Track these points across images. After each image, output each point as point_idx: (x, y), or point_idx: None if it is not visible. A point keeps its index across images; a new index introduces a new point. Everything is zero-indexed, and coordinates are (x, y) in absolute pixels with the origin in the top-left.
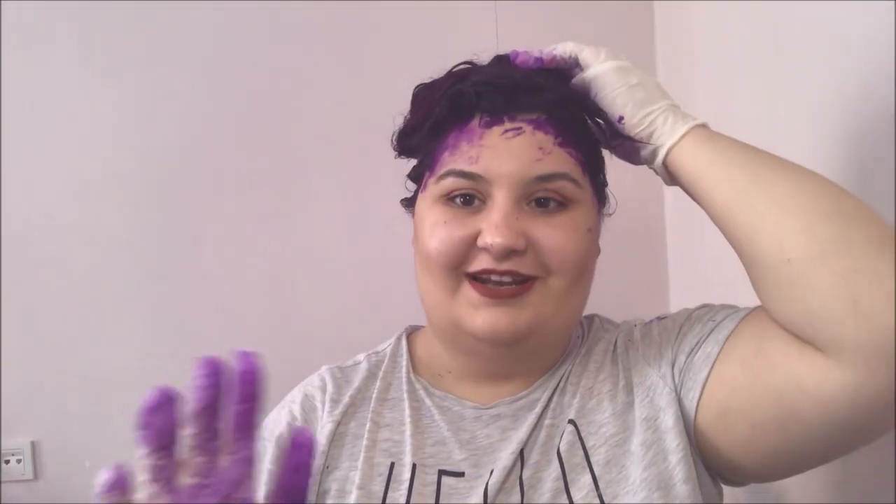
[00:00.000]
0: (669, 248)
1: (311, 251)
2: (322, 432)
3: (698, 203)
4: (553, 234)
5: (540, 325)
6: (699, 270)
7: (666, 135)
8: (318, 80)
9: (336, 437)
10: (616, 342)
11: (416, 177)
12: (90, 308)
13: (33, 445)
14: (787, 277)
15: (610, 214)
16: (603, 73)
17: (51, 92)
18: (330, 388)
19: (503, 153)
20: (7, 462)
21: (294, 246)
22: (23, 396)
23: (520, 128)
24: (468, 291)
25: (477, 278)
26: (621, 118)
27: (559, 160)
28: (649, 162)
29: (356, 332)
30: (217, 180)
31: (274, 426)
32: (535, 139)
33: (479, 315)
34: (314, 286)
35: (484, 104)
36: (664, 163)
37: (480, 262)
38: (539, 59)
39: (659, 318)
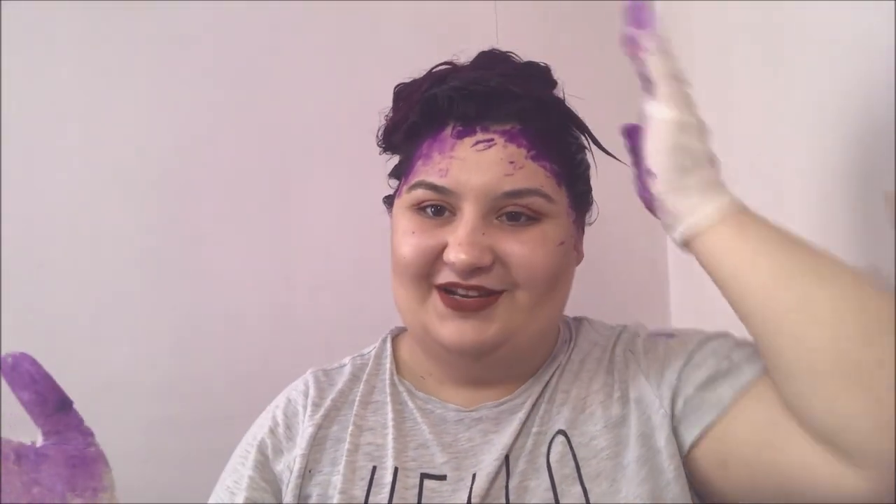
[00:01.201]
0: (669, 247)
1: (312, 251)
2: (303, 436)
3: (716, 285)
4: (521, 250)
5: (508, 338)
6: (699, 271)
7: (693, 215)
8: (319, 80)
9: (317, 440)
10: (614, 350)
11: (397, 176)
12: (90, 308)
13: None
14: (813, 388)
15: (591, 223)
16: (661, 120)
17: (51, 92)
18: (312, 391)
19: (473, 167)
20: None
21: (294, 246)
22: None
23: (491, 139)
24: (436, 301)
25: (445, 289)
26: (653, 174)
27: (530, 175)
28: (668, 230)
29: (356, 332)
30: (217, 180)
31: (258, 430)
32: (507, 152)
33: (446, 326)
34: (314, 286)
35: (457, 111)
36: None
37: (447, 275)
38: (633, 40)
39: (668, 336)
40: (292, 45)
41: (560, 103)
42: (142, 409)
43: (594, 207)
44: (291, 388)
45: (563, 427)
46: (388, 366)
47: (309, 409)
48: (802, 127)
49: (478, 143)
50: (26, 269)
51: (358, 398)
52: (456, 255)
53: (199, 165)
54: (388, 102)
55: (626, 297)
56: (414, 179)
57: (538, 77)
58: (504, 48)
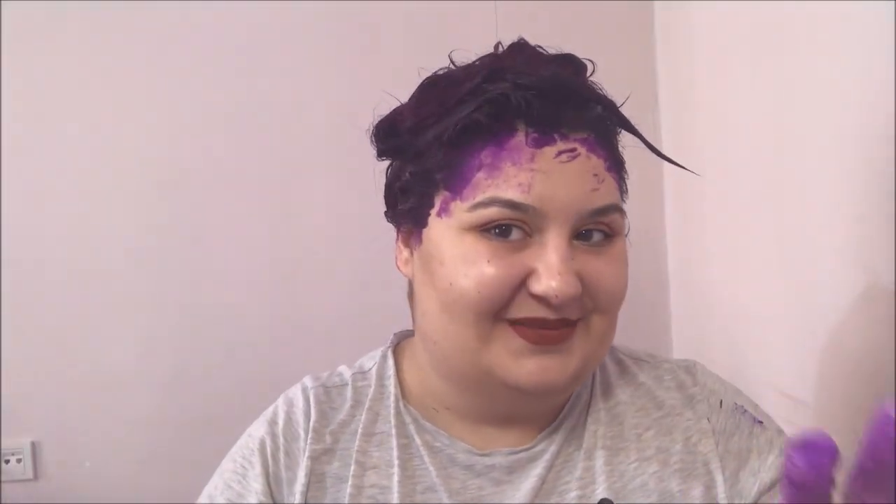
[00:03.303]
0: (669, 247)
1: (312, 251)
2: (302, 468)
3: None
4: (606, 272)
5: (586, 370)
6: (699, 270)
7: None
8: (319, 81)
9: (315, 476)
10: (682, 412)
11: (419, 191)
12: (90, 308)
13: (33, 445)
14: None
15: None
16: None
17: (51, 92)
18: (314, 415)
19: (559, 181)
20: (7, 462)
21: (294, 246)
22: (23, 396)
23: (575, 150)
24: (510, 338)
25: (520, 322)
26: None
27: (611, 189)
28: None
29: (356, 332)
30: (217, 180)
31: (253, 447)
32: (591, 164)
33: (525, 365)
34: (314, 286)
35: (533, 115)
36: None
37: (529, 309)
38: None
39: (755, 421)
40: (293, 46)
41: (617, 108)
42: (142, 409)
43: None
44: (291, 403)
45: (608, 496)
46: (392, 390)
47: (311, 434)
48: (802, 127)
49: (560, 153)
50: (26, 269)
51: (360, 429)
52: (554, 287)
53: (200, 165)
54: (388, 103)
55: (626, 298)
56: (481, 195)
57: (587, 76)
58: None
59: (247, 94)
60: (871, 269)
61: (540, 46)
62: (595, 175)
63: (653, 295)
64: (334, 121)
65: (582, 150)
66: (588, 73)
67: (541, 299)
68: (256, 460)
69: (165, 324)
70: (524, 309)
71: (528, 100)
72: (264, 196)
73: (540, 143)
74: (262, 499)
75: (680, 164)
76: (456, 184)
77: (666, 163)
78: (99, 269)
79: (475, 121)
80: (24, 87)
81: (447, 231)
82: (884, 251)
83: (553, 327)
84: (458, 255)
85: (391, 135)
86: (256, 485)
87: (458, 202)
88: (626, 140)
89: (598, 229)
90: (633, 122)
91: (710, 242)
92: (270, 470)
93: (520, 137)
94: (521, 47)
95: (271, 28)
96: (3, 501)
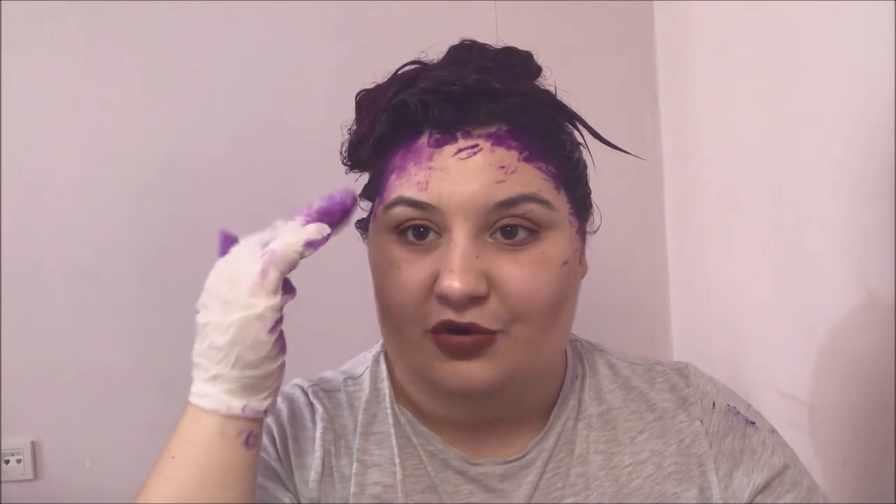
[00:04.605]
0: (669, 248)
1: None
2: (311, 457)
3: None
4: (520, 276)
5: (513, 376)
6: (699, 270)
7: None
8: (318, 81)
9: (326, 469)
10: (675, 415)
11: (370, 197)
12: (90, 308)
13: (33, 445)
14: None
15: (594, 232)
16: None
17: (51, 92)
18: (319, 407)
19: (457, 177)
20: (7, 462)
21: None
22: (23, 396)
23: (476, 146)
24: (430, 347)
25: (435, 330)
26: None
27: (526, 179)
28: None
29: (354, 332)
30: (217, 180)
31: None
32: (496, 157)
33: (446, 368)
34: (313, 286)
35: (432, 117)
36: None
37: (440, 313)
38: None
39: (748, 422)
40: (293, 46)
41: (549, 95)
42: (142, 409)
43: (596, 213)
44: (290, 399)
45: (603, 501)
46: (386, 391)
47: (319, 425)
48: (802, 127)
49: (460, 150)
50: (26, 269)
51: (359, 428)
52: (449, 283)
53: (200, 165)
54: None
55: (626, 298)
56: (391, 196)
57: (521, 66)
58: None
59: (247, 95)
60: (870, 270)
61: (487, 45)
62: (501, 167)
63: (653, 295)
64: (334, 121)
65: (486, 144)
66: (530, 63)
67: (445, 300)
68: (265, 440)
69: (165, 324)
70: (434, 315)
71: (426, 103)
72: (264, 196)
73: (440, 143)
74: (276, 465)
75: (625, 150)
76: (380, 188)
77: (666, 163)
78: (98, 269)
79: (383, 130)
80: (24, 87)
81: (375, 237)
82: (883, 251)
83: (464, 332)
84: (380, 261)
85: (350, 150)
86: (271, 450)
87: (381, 205)
88: (624, 139)
89: (517, 224)
90: (633, 122)
91: (710, 242)
92: (279, 447)
93: (423, 140)
94: (457, 49)
95: (272, 28)
96: (3, 501)
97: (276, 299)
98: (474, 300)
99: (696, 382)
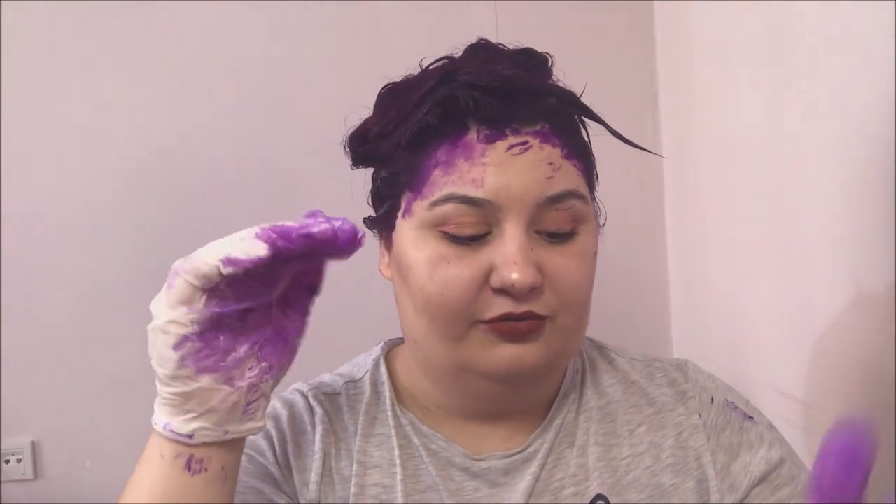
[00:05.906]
0: (669, 248)
1: None
2: (311, 459)
3: None
4: (567, 267)
5: (551, 362)
6: (699, 270)
7: None
8: (318, 81)
9: (326, 471)
10: (674, 409)
11: (389, 195)
12: (90, 308)
13: (33, 445)
14: None
15: (602, 225)
16: None
17: (51, 92)
18: (318, 410)
19: (511, 172)
20: (7, 462)
21: None
22: (23, 396)
23: (526, 142)
24: (483, 334)
25: (491, 322)
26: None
27: (568, 176)
28: None
29: (355, 333)
30: (217, 181)
31: (257, 440)
32: (544, 154)
33: (498, 353)
34: None
35: (482, 113)
36: None
37: (497, 307)
38: None
39: (746, 416)
40: (292, 46)
41: (576, 96)
42: (142, 409)
43: (601, 211)
44: (290, 403)
45: (602, 492)
46: (387, 394)
47: (319, 428)
48: (802, 127)
49: (512, 146)
50: (26, 269)
51: (359, 430)
52: (512, 277)
53: (200, 165)
54: (359, 114)
55: (626, 297)
56: (438, 193)
57: (544, 67)
58: None
59: (247, 95)
60: (870, 270)
61: (501, 44)
62: (550, 164)
63: (653, 295)
64: (334, 122)
65: (534, 141)
66: (549, 65)
67: (503, 293)
68: (263, 445)
69: None
70: (492, 308)
71: (477, 99)
72: (264, 197)
73: (491, 139)
74: (273, 469)
75: (646, 148)
76: (416, 183)
77: (666, 162)
78: (99, 269)
79: (427, 123)
80: (24, 88)
81: (411, 233)
82: (883, 251)
83: (521, 320)
84: (421, 258)
85: (361, 143)
86: (269, 455)
87: (419, 201)
88: (623, 141)
89: (559, 230)
90: (633, 122)
91: (710, 242)
92: (278, 451)
93: (472, 135)
94: (477, 48)
95: (272, 29)
96: (3, 501)
97: (178, 312)
98: (532, 290)
99: (694, 378)
